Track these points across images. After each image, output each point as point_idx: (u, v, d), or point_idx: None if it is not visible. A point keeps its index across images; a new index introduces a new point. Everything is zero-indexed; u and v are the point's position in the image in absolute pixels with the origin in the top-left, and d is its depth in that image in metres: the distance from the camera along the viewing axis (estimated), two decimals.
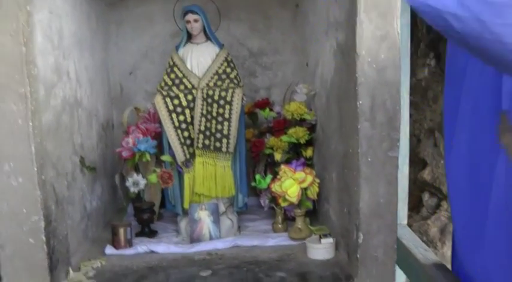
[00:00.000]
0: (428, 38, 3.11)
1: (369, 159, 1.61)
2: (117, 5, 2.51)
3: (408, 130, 2.17)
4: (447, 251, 3.03)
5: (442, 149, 3.05)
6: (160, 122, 2.08)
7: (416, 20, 3.08)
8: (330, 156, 1.97)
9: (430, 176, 3.11)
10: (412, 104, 3.18)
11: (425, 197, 3.18)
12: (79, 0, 2.04)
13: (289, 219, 2.16)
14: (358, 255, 1.65)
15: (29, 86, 1.49)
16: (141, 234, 2.12)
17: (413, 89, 3.16)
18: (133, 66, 2.55)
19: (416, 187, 3.17)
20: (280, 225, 2.12)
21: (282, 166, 2.00)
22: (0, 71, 1.48)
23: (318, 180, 2.03)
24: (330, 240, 1.85)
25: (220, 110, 2.00)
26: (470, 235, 1.54)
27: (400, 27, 1.57)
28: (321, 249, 1.85)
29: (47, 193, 1.58)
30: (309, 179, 1.98)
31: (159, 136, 2.15)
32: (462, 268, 1.66)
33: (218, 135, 2.00)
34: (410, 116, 3.23)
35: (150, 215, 2.12)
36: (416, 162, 3.16)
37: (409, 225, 2.39)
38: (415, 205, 3.17)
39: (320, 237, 1.87)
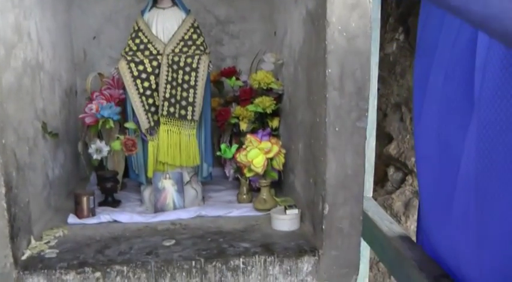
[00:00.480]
0: (397, 13, 3.12)
1: (337, 129, 1.60)
2: None
3: (376, 103, 2.18)
4: (411, 225, 3.09)
5: (408, 123, 3.09)
6: (124, 89, 2.02)
7: None
8: (297, 126, 1.96)
9: (395, 151, 3.15)
10: (380, 79, 3.20)
11: (391, 171, 3.22)
12: None
13: (254, 190, 2.15)
14: (323, 227, 1.65)
15: None
16: (104, 203, 2.09)
17: (381, 64, 3.18)
18: (97, 30, 2.46)
19: (382, 161, 3.20)
20: (245, 196, 2.11)
21: (248, 136, 1.98)
22: None
23: (284, 151, 2.02)
24: (295, 211, 1.85)
25: (186, 77, 1.95)
26: (437, 207, 1.56)
27: None
28: (286, 221, 1.84)
29: (7, 158, 1.53)
30: (275, 149, 1.97)
31: (123, 103, 2.10)
32: (428, 240, 1.69)
33: (183, 103, 1.96)
34: (378, 90, 3.25)
35: (113, 184, 2.08)
36: (382, 137, 3.19)
37: (374, 199, 2.42)
38: (380, 179, 3.21)
39: (285, 209, 1.86)
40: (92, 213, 1.95)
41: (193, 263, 1.62)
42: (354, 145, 1.61)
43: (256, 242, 1.74)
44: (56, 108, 2.10)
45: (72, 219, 1.92)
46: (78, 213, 1.93)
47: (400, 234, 1.86)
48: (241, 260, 1.64)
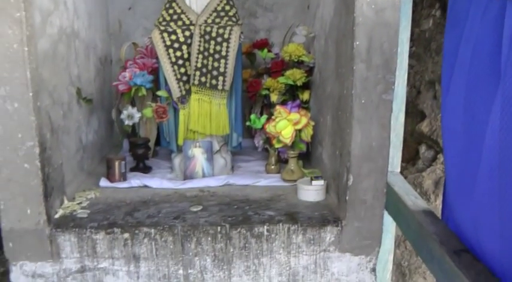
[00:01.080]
0: None
1: (363, 101, 1.61)
2: None
3: (406, 77, 2.16)
4: (440, 204, 3.06)
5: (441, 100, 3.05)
6: (157, 58, 2.06)
7: None
8: (326, 99, 1.97)
9: (428, 128, 3.12)
10: (414, 55, 3.16)
11: (422, 149, 3.19)
12: None
13: (282, 162, 2.18)
14: (347, 198, 1.67)
15: (24, 11, 1.48)
16: (135, 169, 2.15)
17: (417, 40, 3.14)
18: (133, 1, 2.51)
19: (414, 139, 3.18)
20: (273, 167, 2.15)
21: (277, 107, 2.00)
22: None
23: (312, 123, 2.04)
24: (321, 182, 1.87)
25: (218, 48, 1.98)
26: (462, 181, 1.56)
27: None
28: (312, 191, 1.87)
29: (42, 120, 1.59)
30: (304, 120, 1.99)
31: (155, 72, 2.15)
32: (451, 215, 1.69)
33: (214, 73, 1.99)
34: (412, 67, 3.21)
35: (145, 151, 2.14)
36: (415, 114, 3.16)
37: (404, 177, 2.41)
38: (411, 157, 3.19)
39: (311, 179, 1.89)
40: (123, 177, 2.01)
41: (219, 228, 1.66)
42: (379, 118, 1.62)
43: (281, 211, 1.77)
44: (90, 75, 2.16)
45: (103, 182, 1.99)
46: (110, 177, 2.00)
47: (424, 209, 1.86)
48: (265, 227, 1.68)
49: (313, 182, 1.87)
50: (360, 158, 1.64)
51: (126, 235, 1.65)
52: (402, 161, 2.52)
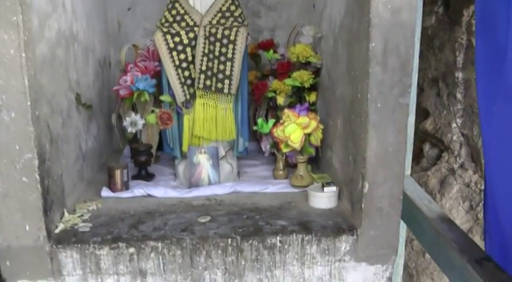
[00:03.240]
0: None
1: (379, 105, 1.53)
2: None
3: (416, 78, 2.09)
4: (446, 203, 3.01)
5: (445, 99, 2.99)
6: (159, 61, 1.98)
7: None
8: (336, 101, 1.90)
9: (432, 127, 3.06)
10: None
11: (426, 147, 3.13)
12: None
13: (290, 166, 2.11)
14: (362, 205, 1.60)
15: (21, 14, 1.39)
16: (137, 177, 2.07)
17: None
18: (132, 1, 2.42)
19: (418, 137, 3.11)
20: (281, 172, 2.07)
21: (286, 110, 1.92)
22: None
23: (321, 127, 1.96)
24: (334, 188, 1.80)
25: (223, 50, 1.90)
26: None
27: None
28: (324, 198, 1.80)
29: (40, 130, 1.51)
30: (313, 124, 1.91)
31: (158, 75, 2.06)
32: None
33: (220, 76, 1.91)
34: None
35: (147, 158, 2.06)
36: (419, 112, 3.09)
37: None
38: (415, 156, 3.13)
39: (323, 186, 1.82)
40: (126, 186, 1.93)
41: (230, 240, 1.59)
42: (395, 122, 1.55)
43: (293, 220, 1.70)
44: (89, 79, 2.08)
45: (105, 192, 1.91)
46: (112, 187, 1.92)
47: (439, 214, 1.79)
48: (278, 238, 1.60)
49: (325, 189, 1.79)
50: (375, 164, 1.57)
51: (132, 250, 1.57)
52: None
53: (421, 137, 3.14)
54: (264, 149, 2.19)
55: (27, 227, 1.53)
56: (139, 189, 1.91)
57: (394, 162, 1.57)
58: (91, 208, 1.79)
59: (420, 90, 3.10)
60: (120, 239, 1.58)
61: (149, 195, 1.91)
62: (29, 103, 1.44)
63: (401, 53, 1.51)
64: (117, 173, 1.91)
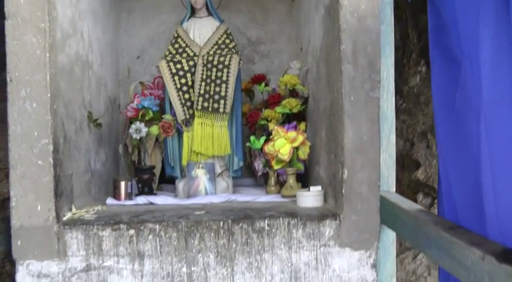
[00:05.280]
0: (419, 47, 3.31)
1: (352, 99, 1.76)
2: None
3: (393, 101, 2.31)
4: None
5: (434, 149, 3.18)
6: (163, 89, 2.24)
7: (408, 31, 3.30)
8: (320, 117, 2.12)
9: (423, 175, 3.23)
10: (406, 111, 3.35)
11: (420, 197, 3.28)
12: None
13: (281, 184, 2.27)
14: (343, 191, 1.76)
15: (48, 22, 1.68)
16: (140, 193, 2.24)
17: (406, 97, 3.34)
18: (141, 50, 2.75)
19: (411, 189, 3.27)
20: (273, 188, 2.24)
21: (275, 127, 2.14)
22: (25, 8, 1.66)
23: (309, 143, 2.17)
24: (319, 187, 1.97)
25: (219, 74, 2.17)
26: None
27: None
28: (310, 197, 1.95)
29: (57, 123, 1.73)
30: (300, 138, 2.12)
31: (161, 101, 2.31)
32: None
33: (216, 97, 2.16)
34: (404, 121, 3.39)
35: (150, 176, 2.24)
36: (410, 166, 3.28)
37: None
38: None
39: (309, 188, 1.98)
40: (129, 197, 2.10)
41: (221, 223, 1.74)
42: (368, 113, 1.76)
43: (281, 212, 1.85)
44: (100, 108, 2.33)
45: (110, 200, 2.08)
46: (116, 197, 2.09)
47: (419, 209, 1.92)
48: (266, 222, 1.75)
49: (311, 188, 1.96)
50: (352, 151, 1.76)
51: (132, 232, 1.72)
52: None
53: (414, 188, 3.30)
54: (256, 168, 2.37)
55: (39, 207, 1.69)
56: (141, 198, 2.09)
57: (370, 149, 1.76)
58: (97, 209, 1.96)
59: (411, 145, 3.32)
60: (121, 222, 1.73)
61: (151, 203, 2.07)
62: (49, 95, 1.68)
63: (369, 53, 1.76)
64: (122, 184, 2.09)
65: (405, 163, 3.34)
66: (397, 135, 3.39)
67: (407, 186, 3.32)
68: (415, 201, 3.29)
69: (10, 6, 1.68)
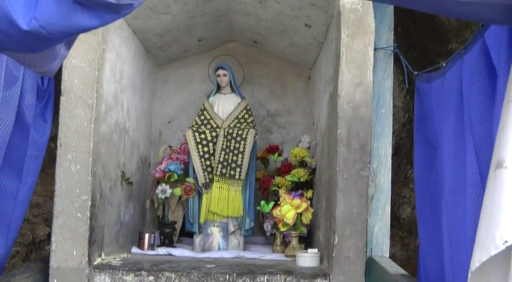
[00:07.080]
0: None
1: (345, 176, 2.06)
2: (164, 66, 3.16)
3: (390, 176, 2.58)
4: None
5: None
6: (188, 155, 2.59)
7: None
8: (322, 187, 2.42)
9: None
10: (414, 179, 3.60)
11: None
12: (138, 54, 2.67)
13: (286, 244, 2.56)
14: (333, 255, 2.04)
15: (96, 99, 2.05)
16: (162, 245, 2.55)
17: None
18: (172, 116, 3.12)
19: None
20: (278, 248, 2.52)
21: (283, 194, 2.45)
22: (78, 86, 2.05)
23: (312, 210, 2.46)
24: (315, 250, 2.25)
25: (237, 145, 2.51)
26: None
27: (372, 77, 2.08)
28: (307, 258, 2.24)
29: (95, 183, 2.07)
30: (304, 205, 2.41)
31: (186, 165, 2.66)
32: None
33: (233, 165, 2.49)
34: (412, 190, 3.63)
35: (171, 230, 2.56)
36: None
37: None
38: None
39: (307, 250, 2.27)
40: (152, 248, 2.42)
41: (227, 276, 2.03)
42: (358, 189, 2.06)
43: (280, 270, 2.13)
44: (132, 167, 2.68)
45: (135, 249, 2.40)
46: (141, 246, 2.41)
47: (402, 273, 2.15)
48: (266, 277, 2.04)
49: (309, 250, 2.24)
50: (343, 221, 2.05)
51: (151, 278, 2.03)
52: None
53: None
54: (265, 229, 2.66)
55: (75, 252, 2.02)
56: (162, 249, 2.40)
57: (358, 220, 2.05)
58: (123, 256, 2.28)
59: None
60: (143, 269, 2.04)
61: (170, 254, 2.38)
62: (91, 159, 2.04)
63: (361, 137, 2.07)
64: (146, 236, 2.41)
65: (412, 230, 3.57)
66: (405, 203, 3.66)
67: (413, 251, 3.54)
68: None
69: (66, 85, 2.06)
